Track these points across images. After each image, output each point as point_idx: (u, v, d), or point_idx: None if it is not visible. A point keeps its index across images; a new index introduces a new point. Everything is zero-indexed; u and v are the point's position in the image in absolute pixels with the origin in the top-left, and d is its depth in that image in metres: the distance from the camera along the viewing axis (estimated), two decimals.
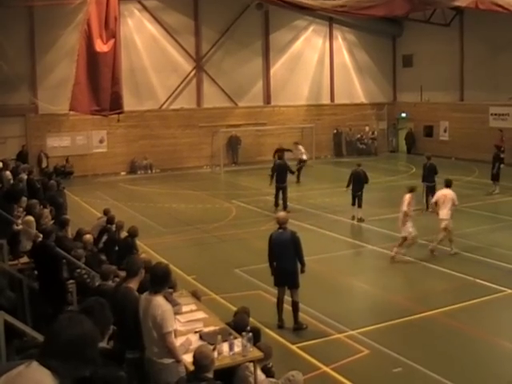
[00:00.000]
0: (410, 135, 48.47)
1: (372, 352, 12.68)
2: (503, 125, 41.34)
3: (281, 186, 27.52)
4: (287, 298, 14.37)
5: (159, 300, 8.66)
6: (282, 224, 14.22)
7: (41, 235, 13.95)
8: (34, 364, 3.88)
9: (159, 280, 8.85)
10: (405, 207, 19.10)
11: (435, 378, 11.47)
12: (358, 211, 25.37)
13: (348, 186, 25.81)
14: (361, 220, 25.19)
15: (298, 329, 13.99)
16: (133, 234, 16.25)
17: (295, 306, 14.11)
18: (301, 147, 36.36)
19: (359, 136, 48.57)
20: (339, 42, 48.31)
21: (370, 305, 16.35)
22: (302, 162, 35.38)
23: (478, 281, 17.26)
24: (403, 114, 49.68)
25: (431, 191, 26.11)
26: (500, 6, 31.94)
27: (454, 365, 12.19)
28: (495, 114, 42.21)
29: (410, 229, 19.25)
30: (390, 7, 35.58)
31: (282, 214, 15.22)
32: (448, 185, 20.66)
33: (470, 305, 15.51)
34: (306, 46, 46.76)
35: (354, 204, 25.50)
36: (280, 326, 14.07)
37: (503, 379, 11.78)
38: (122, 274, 11.34)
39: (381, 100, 50.15)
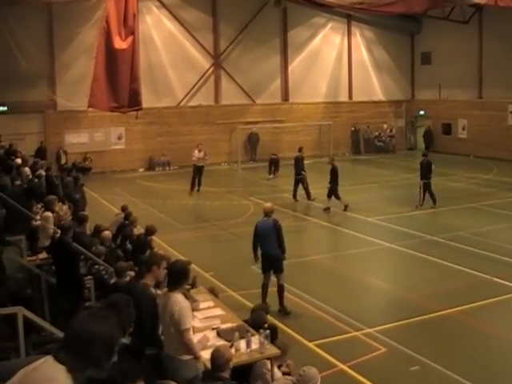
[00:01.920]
0: (428, 133, 48.23)
1: (389, 350, 12.67)
2: None
3: (296, 178, 28.62)
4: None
5: (177, 297, 8.68)
6: (267, 213, 15.23)
7: (59, 231, 14.01)
8: (50, 359, 3.90)
9: (177, 277, 8.87)
10: None
11: (453, 376, 11.44)
12: (340, 203, 26.38)
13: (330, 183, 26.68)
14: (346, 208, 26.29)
15: (283, 311, 14.78)
16: (149, 232, 16.24)
17: (280, 289, 15.03)
18: (197, 152, 32.51)
19: (377, 133, 48.42)
20: (357, 39, 48.19)
21: (386, 303, 16.32)
22: (195, 167, 32.13)
23: (495, 279, 17.20)
24: (421, 112, 49.50)
25: (427, 188, 26.31)
26: None
27: (471, 363, 12.16)
28: None
29: None
30: (409, 4, 35.56)
31: (268, 204, 15.84)
32: None
33: (487, 303, 15.45)
34: (324, 43, 46.67)
35: (329, 197, 26.41)
36: None
37: None
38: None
39: (399, 97, 49.98)
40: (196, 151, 32.40)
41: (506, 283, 16.85)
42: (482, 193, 29.96)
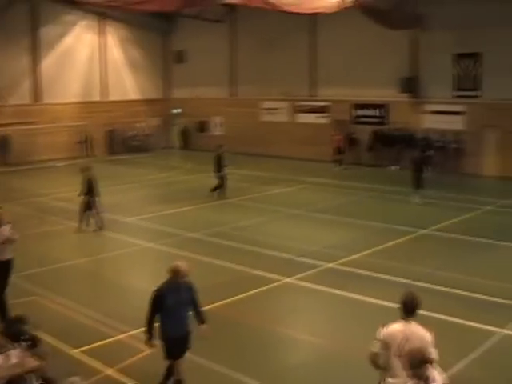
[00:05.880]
0: (184, 131, 48.99)
1: (157, 350, 12.55)
2: (273, 119, 42.90)
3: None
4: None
5: None
6: (182, 276, 10.31)
7: None
8: None
9: None
10: None
11: (219, 370, 11.55)
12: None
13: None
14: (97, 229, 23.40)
15: None
16: None
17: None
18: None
19: (133, 133, 48.23)
20: (111, 38, 47.77)
21: (147, 302, 16.16)
22: None
23: (255, 272, 17.64)
24: (176, 110, 50.01)
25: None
26: (269, 4, 32.66)
27: (237, 354, 12.36)
28: (266, 109, 43.57)
29: None
30: (162, 3, 35.60)
31: (183, 264, 10.38)
32: None
33: (249, 295, 15.82)
34: (76, 41, 45.78)
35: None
36: None
37: (284, 363, 12.12)
38: None
39: (154, 96, 50.26)
40: None
41: (266, 274, 17.36)
42: (240, 188, 30.70)
